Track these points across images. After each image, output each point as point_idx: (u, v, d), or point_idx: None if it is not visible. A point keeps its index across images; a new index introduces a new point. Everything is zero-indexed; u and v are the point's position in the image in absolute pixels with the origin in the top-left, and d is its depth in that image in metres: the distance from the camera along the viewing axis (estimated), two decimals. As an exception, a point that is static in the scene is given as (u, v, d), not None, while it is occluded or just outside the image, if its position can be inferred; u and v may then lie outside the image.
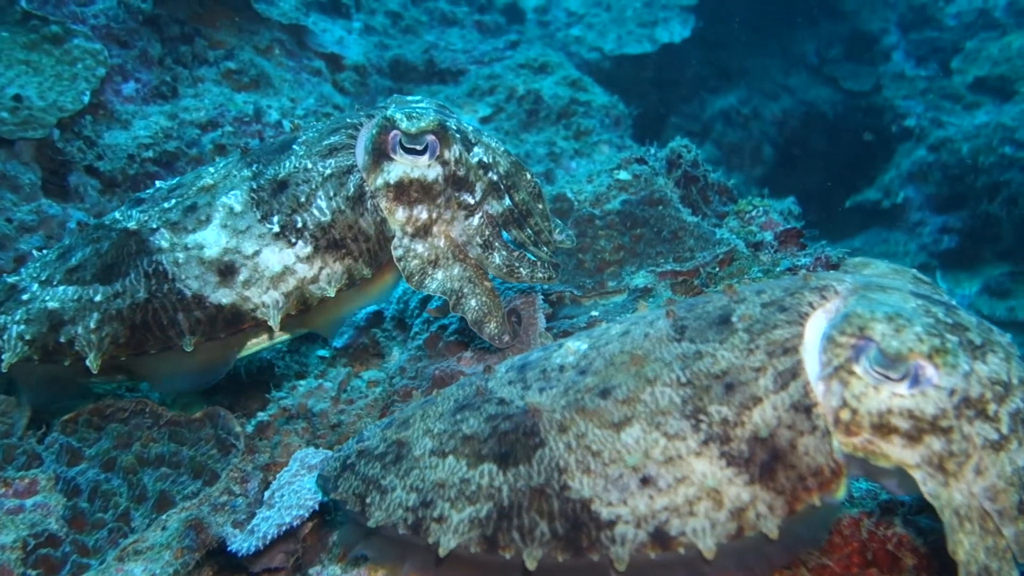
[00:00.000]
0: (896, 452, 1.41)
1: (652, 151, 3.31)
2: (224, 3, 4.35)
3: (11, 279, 2.27)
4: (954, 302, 1.58)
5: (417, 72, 5.75)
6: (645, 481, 1.46)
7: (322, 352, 3.35)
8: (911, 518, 1.65)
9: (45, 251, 2.35)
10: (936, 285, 1.66)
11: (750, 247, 2.86)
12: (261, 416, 3.11)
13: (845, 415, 1.43)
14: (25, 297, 2.19)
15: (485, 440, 1.60)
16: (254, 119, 3.89)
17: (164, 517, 1.98)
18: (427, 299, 2.95)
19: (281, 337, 2.38)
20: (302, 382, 3.19)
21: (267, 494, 2.06)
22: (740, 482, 1.43)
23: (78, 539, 1.96)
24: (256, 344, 2.36)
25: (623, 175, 3.17)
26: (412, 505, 1.59)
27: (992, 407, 1.40)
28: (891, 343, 1.38)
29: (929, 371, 1.39)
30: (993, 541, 1.37)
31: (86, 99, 3.65)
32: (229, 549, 1.93)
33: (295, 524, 1.91)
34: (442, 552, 1.53)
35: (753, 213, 3.06)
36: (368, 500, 1.64)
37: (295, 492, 2.00)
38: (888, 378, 1.41)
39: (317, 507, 1.94)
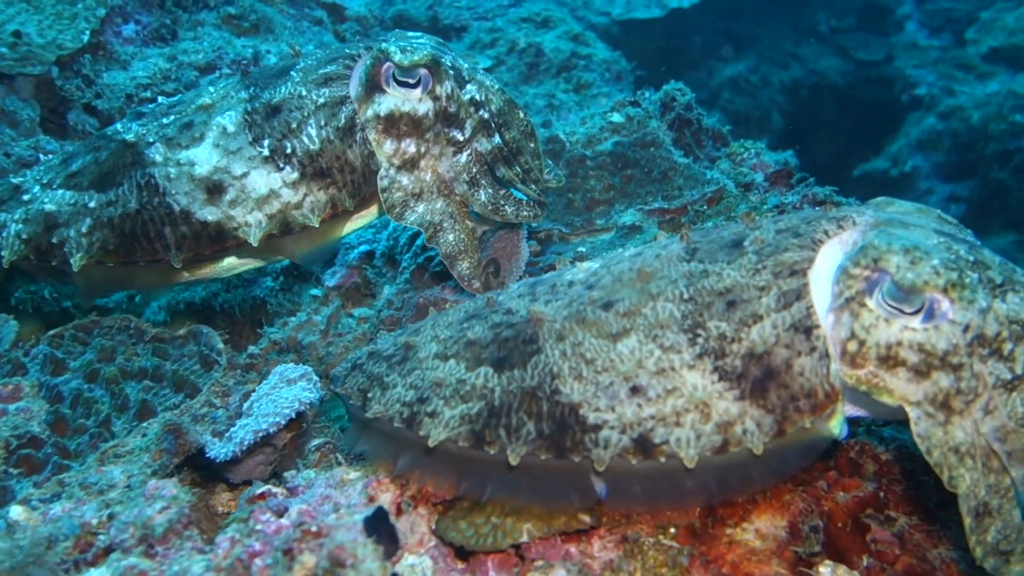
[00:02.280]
0: (900, 387, 1.39)
1: (647, 95, 3.30)
2: (226, -52, 4.35)
3: (15, 180, 2.34)
4: (979, 243, 1.55)
5: (421, 28, 5.72)
6: (635, 390, 1.47)
7: (315, 291, 3.37)
8: (875, 428, 1.67)
9: (51, 156, 2.40)
10: (961, 226, 1.62)
11: (740, 187, 2.87)
12: (252, 349, 3.15)
13: (852, 346, 1.41)
14: (26, 198, 2.25)
15: (486, 346, 1.63)
16: (252, 63, 3.90)
17: (144, 425, 2.01)
18: (416, 235, 2.96)
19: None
20: (293, 318, 3.22)
21: (246, 405, 2.09)
22: (730, 397, 1.43)
23: (60, 442, 1.99)
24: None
25: (616, 117, 3.18)
26: (409, 400, 1.63)
27: (1008, 346, 1.38)
28: (906, 275, 1.36)
29: (944, 305, 1.37)
30: (996, 479, 1.35)
31: (85, 38, 3.66)
32: (207, 455, 1.96)
33: (271, 431, 1.93)
34: (431, 443, 1.56)
35: (744, 155, 3.06)
36: (370, 395, 1.69)
37: (272, 402, 2.02)
38: (902, 312, 1.38)
39: (294, 415, 1.96)
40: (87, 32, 3.69)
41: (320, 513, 1.60)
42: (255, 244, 2.18)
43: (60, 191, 2.23)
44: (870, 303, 1.41)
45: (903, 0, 8.73)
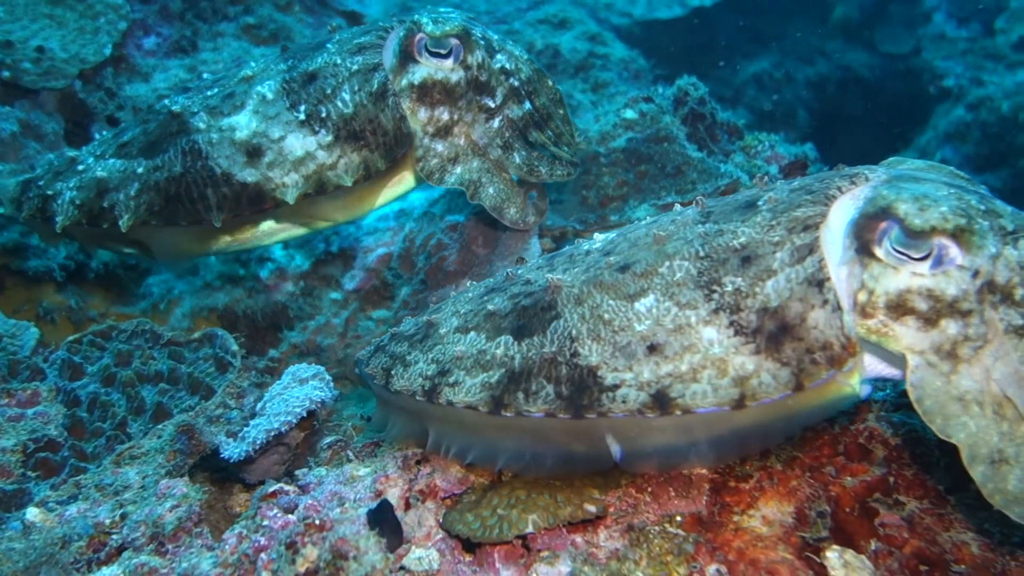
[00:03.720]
0: (908, 335, 1.38)
1: (659, 90, 3.29)
2: (244, -40, 4.41)
3: (71, 153, 2.50)
4: (992, 195, 1.52)
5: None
6: (652, 348, 1.48)
7: (335, 295, 3.40)
8: (884, 415, 1.63)
9: (106, 132, 2.59)
10: (974, 180, 1.59)
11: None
12: (272, 353, 3.19)
13: (862, 296, 1.41)
14: (80, 168, 2.38)
15: (506, 315, 1.65)
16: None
17: (160, 427, 2.04)
18: (430, 236, 2.97)
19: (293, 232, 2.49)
20: (312, 322, 3.25)
21: (259, 405, 2.11)
22: (746, 351, 1.43)
23: (77, 445, 2.02)
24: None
25: (629, 114, 3.16)
26: (431, 374, 1.66)
27: (1020, 292, 1.35)
28: (914, 221, 1.35)
29: (953, 251, 1.36)
30: (1010, 427, 1.32)
31: (107, 51, 3.73)
32: (221, 455, 1.97)
33: (283, 429, 1.94)
34: (454, 408, 1.60)
35: (759, 148, 3.03)
36: (393, 372, 1.72)
37: (284, 401, 2.04)
38: (910, 258, 1.37)
39: (305, 414, 1.98)
40: (109, 45, 3.75)
41: (326, 507, 1.61)
42: (292, 202, 2.26)
43: (111, 160, 2.35)
44: (879, 252, 1.40)
45: (930, -9, 8.59)
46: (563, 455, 1.57)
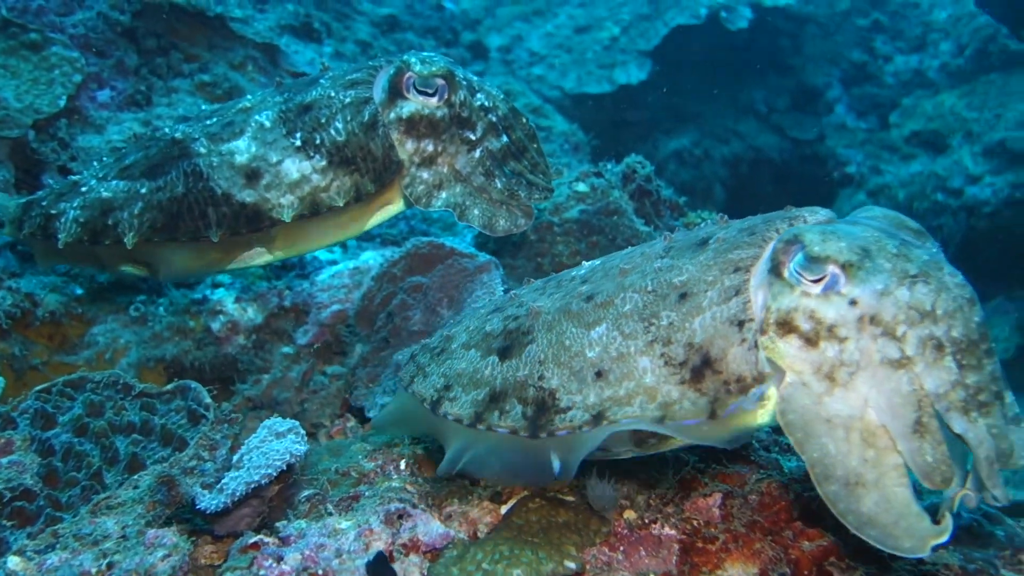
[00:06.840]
0: (790, 353, 1.51)
1: (609, 166, 3.51)
2: (201, 20, 4.48)
3: (74, 178, 2.62)
4: (929, 245, 1.60)
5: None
6: (599, 374, 1.65)
7: (287, 349, 3.45)
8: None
9: (105, 157, 2.71)
10: (923, 232, 1.66)
11: (696, 256, 3.06)
12: (225, 406, 3.20)
13: (763, 314, 1.55)
14: (84, 189, 2.50)
15: (496, 336, 1.85)
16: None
17: (136, 477, 2.07)
18: (391, 295, 3.08)
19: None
20: (266, 375, 3.29)
21: (235, 458, 2.15)
22: (673, 381, 1.59)
23: (52, 495, 2.04)
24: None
25: (581, 187, 3.37)
26: (439, 387, 1.86)
27: (902, 328, 1.47)
28: (814, 248, 1.49)
29: (841, 280, 1.49)
30: (876, 454, 1.44)
31: (62, 103, 3.74)
32: (198, 507, 2.01)
33: (263, 482, 2.00)
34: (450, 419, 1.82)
35: (701, 224, 3.27)
36: (415, 380, 1.94)
37: (263, 454, 2.09)
38: (806, 279, 1.51)
39: (284, 467, 2.04)
40: (63, 97, 3.76)
41: (322, 559, 1.69)
42: (288, 220, 2.43)
43: (114, 181, 2.49)
44: (784, 273, 1.54)
45: (832, 84, 9.29)
46: (513, 466, 1.76)
